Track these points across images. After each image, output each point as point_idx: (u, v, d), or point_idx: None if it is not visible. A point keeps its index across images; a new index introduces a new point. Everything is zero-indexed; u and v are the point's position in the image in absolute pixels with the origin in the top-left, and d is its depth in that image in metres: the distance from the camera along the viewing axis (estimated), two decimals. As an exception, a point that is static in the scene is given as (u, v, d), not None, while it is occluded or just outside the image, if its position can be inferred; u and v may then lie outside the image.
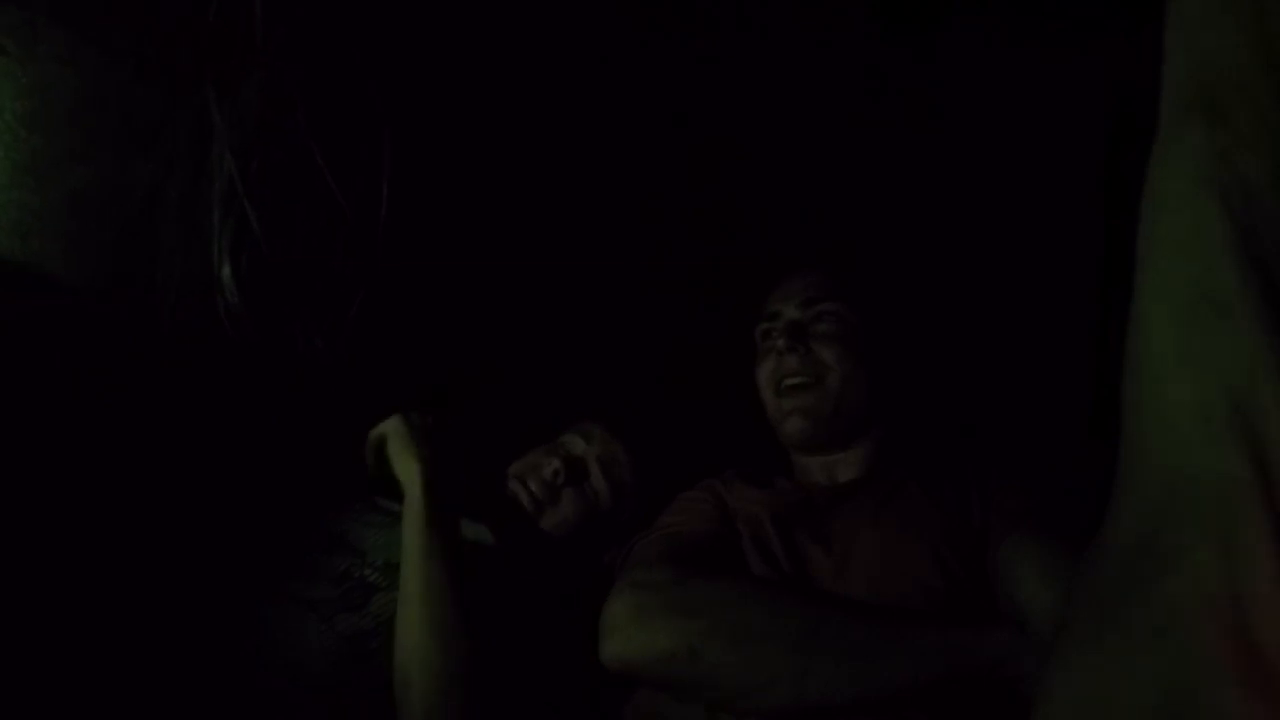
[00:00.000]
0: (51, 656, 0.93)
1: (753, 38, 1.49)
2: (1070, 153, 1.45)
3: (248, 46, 1.15)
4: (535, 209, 1.51)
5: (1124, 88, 1.38)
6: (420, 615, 0.95)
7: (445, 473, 1.07)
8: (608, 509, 1.26)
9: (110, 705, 0.92)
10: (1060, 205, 1.44)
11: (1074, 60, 1.41)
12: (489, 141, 1.46)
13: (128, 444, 1.08)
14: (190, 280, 1.17)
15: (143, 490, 1.06)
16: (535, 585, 1.14)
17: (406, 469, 1.06)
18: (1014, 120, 1.47)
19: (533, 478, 1.26)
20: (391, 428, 1.11)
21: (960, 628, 0.90)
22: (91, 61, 1.13)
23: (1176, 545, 0.39)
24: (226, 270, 1.15)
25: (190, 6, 1.11)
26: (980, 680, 0.86)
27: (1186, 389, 0.41)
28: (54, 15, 1.10)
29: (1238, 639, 0.37)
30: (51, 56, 1.11)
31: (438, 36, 1.37)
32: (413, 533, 1.01)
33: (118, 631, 0.96)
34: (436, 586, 0.97)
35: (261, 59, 1.15)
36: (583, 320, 1.51)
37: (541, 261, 1.50)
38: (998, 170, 1.49)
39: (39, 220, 1.12)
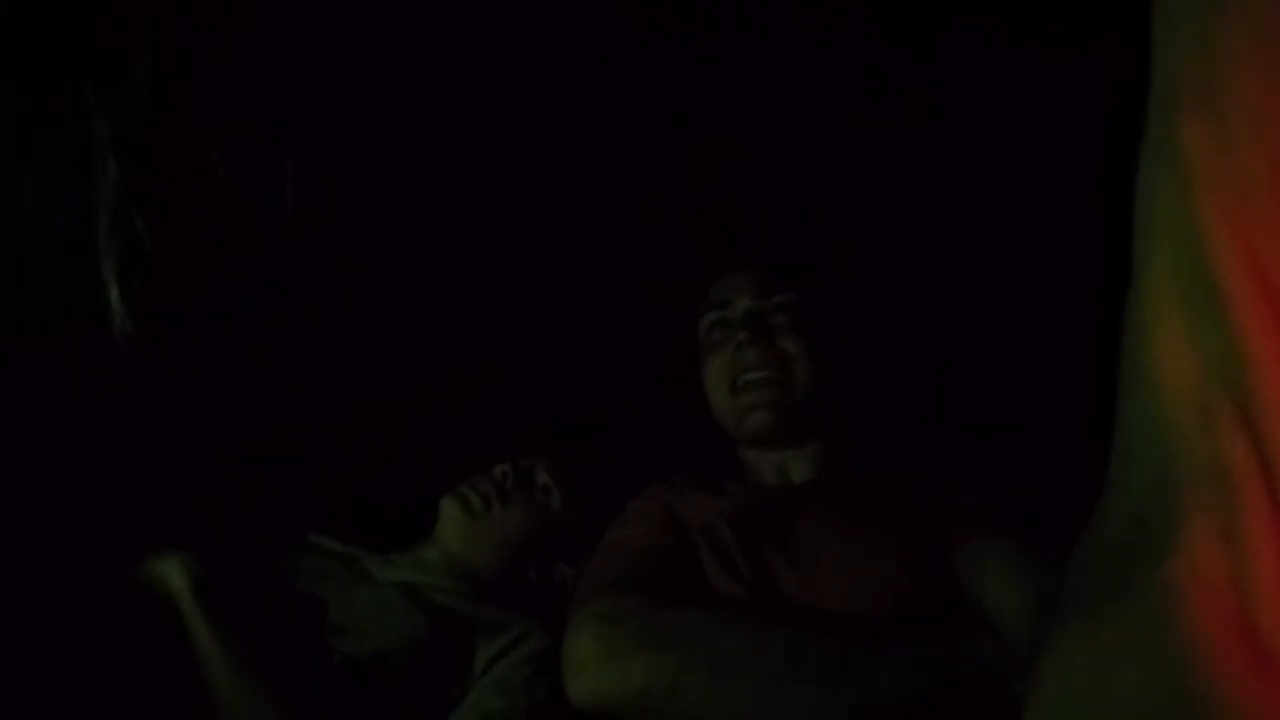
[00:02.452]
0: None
1: (753, 38, 1.49)
2: (1070, 153, 1.45)
3: (129, 32, 1.03)
4: (534, 208, 1.51)
5: (1124, 88, 1.38)
6: (240, 701, 0.92)
7: (213, 565, 1.01)
8: (558, 513, 1.22)
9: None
10: (1060, 205, 1.44)
11: (1074, 60, 1.40)
12: (487, 140, 1.46)
13: (21, 489, 1.00)
14: (79, 304, 1.06)
15: (40, 540, 0.99)
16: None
17: (163, 568, 1.00)
18: (1014, 120, 1.47)
19: (478, 481, 1.21)
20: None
21: (940, 640, 0.88)
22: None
23: (1174, 531, 0.39)
24: (115, 293, 1.05)
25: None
26: (960, 690, 0.85)
27: (1184, 378, 0.41)
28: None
29: (1238, 624, 0.37)
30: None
31: (420, 29, 1.36)
32: (195, 627, 0.95)
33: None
34: (242, 672, 0.93)
35: (146, 47, 1.03)
36: (582, 321, 1.51)
37: (539, 262, 1.50)
38: (998, 170, 1.49)
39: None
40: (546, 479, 1.23)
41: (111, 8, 1.03)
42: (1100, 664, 0.40)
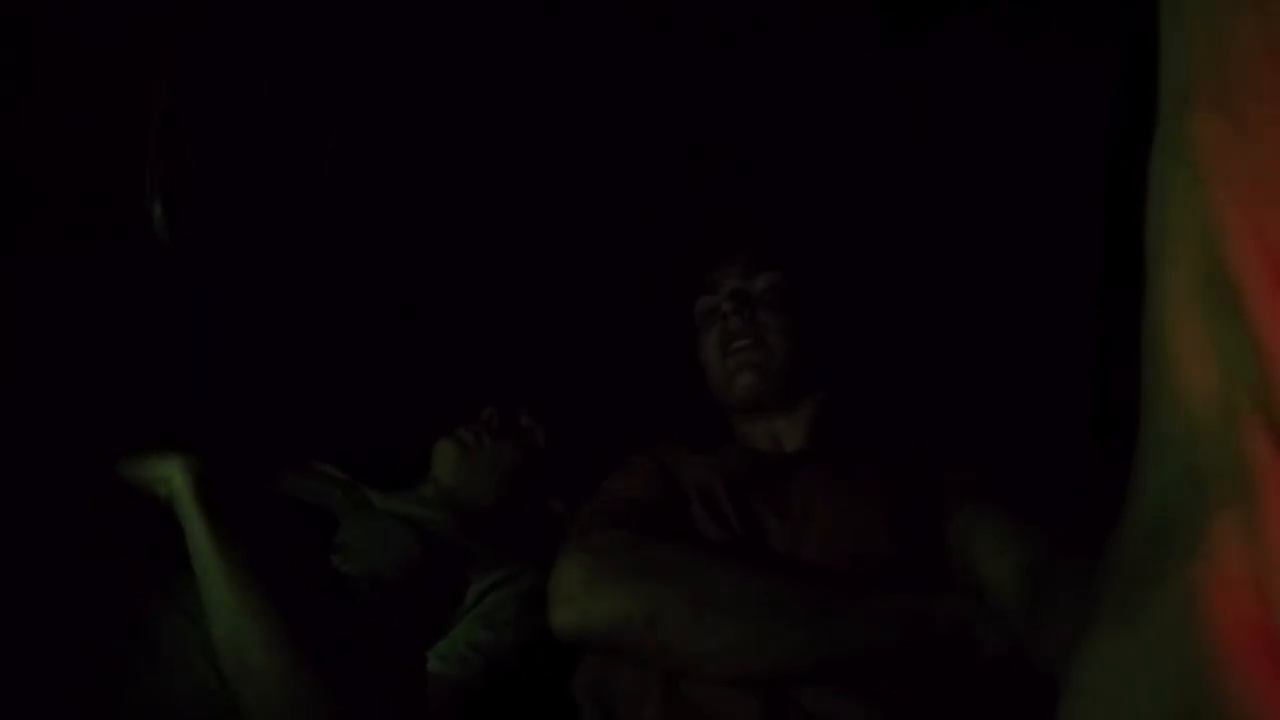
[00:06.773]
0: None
1: (753, 39, 1.49)
2: (1070, 153, 1.45)
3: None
4: (536, 209, 1.51)
5: (1124, 88, 1.38)
6: (239, 617, 0.86)
7: (216, 469, 0.96)
8: (544, 448, 1.27)
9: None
10: (1061, 205, 1.44)
11: (1074, 60, 1.41)
12: (490, 142, 1.47)
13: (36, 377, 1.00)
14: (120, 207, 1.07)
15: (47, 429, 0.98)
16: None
17: (165, 467, 0.95)
18: (1014, 121, 1.47)
19: (469, 424, 1.26)
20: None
21: (918, 594, 0.90)
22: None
23: (1196, 531, 0.39)
24: (158, 204, 1.08)
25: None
26: (937, 646, 0.87)
27: (1205, 378, 0.41)
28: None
29: (1258, 624, 0.36)
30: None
31: (427, 32, 1.36)
32: (195, 530, 0.91)
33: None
34: (239, 579, 0.88)
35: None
36: (582, 323, 1.51)
37: (540, 263, 1.51)
38: (998, 171, 1.49)
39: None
40: (529, 419, 1.29)
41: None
42: (1125, 666, 0.40)
